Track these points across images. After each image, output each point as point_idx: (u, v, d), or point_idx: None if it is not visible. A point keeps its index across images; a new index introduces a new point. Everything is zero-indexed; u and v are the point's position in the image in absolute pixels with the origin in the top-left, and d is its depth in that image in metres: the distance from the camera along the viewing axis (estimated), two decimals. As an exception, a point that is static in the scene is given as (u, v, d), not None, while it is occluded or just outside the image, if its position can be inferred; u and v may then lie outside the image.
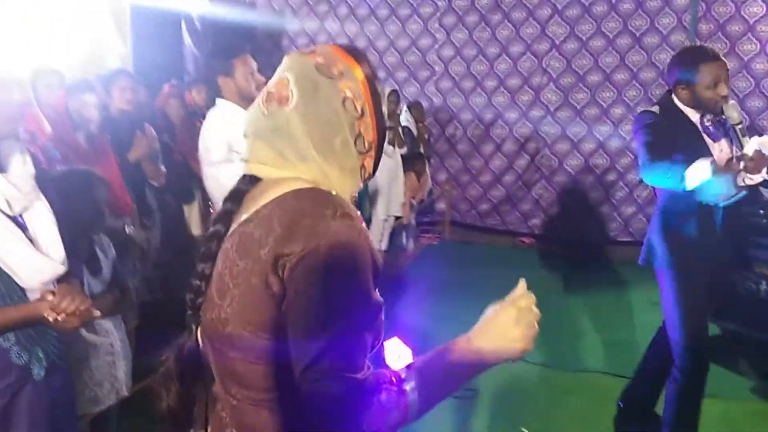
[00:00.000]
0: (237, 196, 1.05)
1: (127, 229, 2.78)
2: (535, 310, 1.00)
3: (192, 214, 3.92)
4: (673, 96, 2.49)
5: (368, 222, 5.45)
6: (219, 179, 2.38)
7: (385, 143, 4.36)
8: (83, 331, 2.08)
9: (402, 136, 5.66)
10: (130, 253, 2.83)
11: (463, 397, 3.23)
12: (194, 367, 1.05)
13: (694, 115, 2.46)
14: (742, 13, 5.38)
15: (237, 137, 2.33)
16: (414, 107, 6.06)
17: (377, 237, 5.45)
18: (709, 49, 2.48)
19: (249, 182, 1.05)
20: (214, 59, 2.62)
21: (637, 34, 5.75)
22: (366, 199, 5.32)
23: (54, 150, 2.76)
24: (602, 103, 6.00)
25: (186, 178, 3.74)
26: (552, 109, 6.19)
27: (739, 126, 2.37)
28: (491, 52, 6.35)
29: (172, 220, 3.69)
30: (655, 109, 2.53)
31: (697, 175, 2.19)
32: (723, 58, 2.42)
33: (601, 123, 6.02)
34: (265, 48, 7.23)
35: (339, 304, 0.90)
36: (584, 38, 5.95)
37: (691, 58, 2.45)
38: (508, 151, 6.47)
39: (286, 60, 1.07)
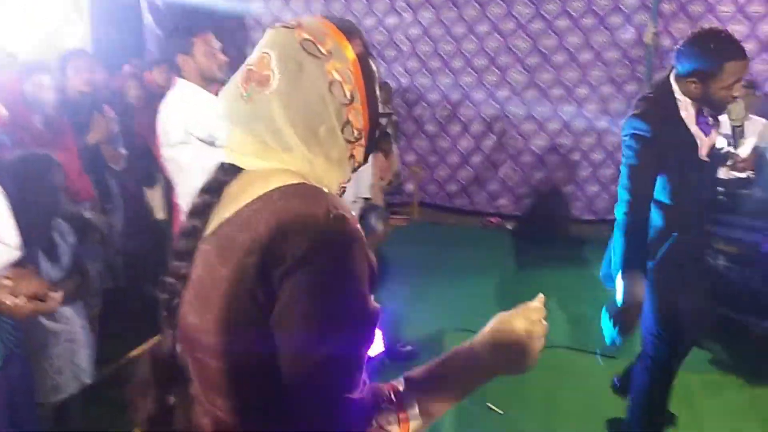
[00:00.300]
0: (216, 188, 0.95)
1: (85, 214, 2.72)
2: (544, 323, 0.95)
3: (155, 198, 3.85)
4: (672, 81, 2.23)
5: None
6: (178, 161, 2.34)
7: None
8: (42, 319, 2.04)
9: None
10: (90, 238, 2.77)
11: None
12: (171, 373, 0.97)
13: (690, 108, 2.22)
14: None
15: (195, 118, 2.32)
16: (381, 88, 6.01)
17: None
18: (736, 42, 2.13)
19: (229, 172, 0.95)
20: (173, 37, 2.55)
21: (601, 14, 5.80)
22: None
23: (3, 135, 2.67)
24: (567, 84, 6.06)
25: (147, 161, 3.66)
26: (518, 89, 6.23)
27: (739, 127, 2.27)
28: (458, 31, 6.33)
29: (133, 205, 3.62)
30: (644, 105, 2.26)
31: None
32: (747, 56, 2.12)
33: (566, 103, 6.08)
34: (228, 26, 7.08)
35: (334, 318, 0.82)
36: (550, 18, 5.98)
37: (716, 54, 2.09)
38: (476, 131, 6.50)
39: (268, 34, 0.95)
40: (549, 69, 6.09)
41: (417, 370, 0.93)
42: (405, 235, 6.12)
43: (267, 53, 0.92)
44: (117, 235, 3.41)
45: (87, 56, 3.47)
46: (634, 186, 2.19)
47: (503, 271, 5.00)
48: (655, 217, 2.29)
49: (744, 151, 2.25)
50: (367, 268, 0.86)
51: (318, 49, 0.91)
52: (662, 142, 2.16)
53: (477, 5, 6.19)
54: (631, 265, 2.17)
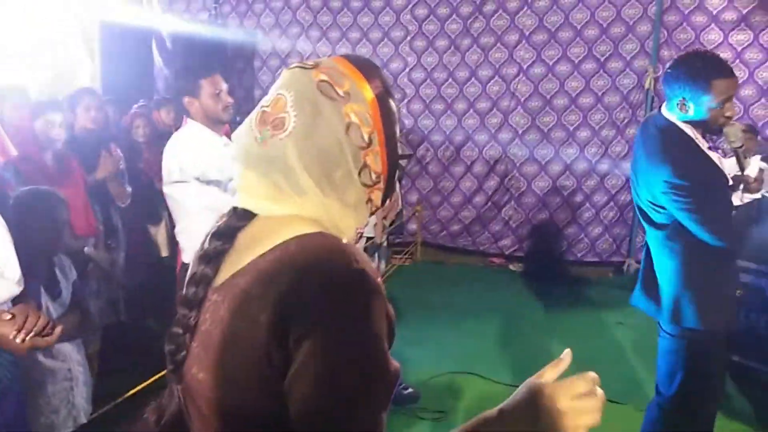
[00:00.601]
0: (228, 234, 0.89)
1: (86, 250, 2.73)
2: (599, 392, 0.83)
3: (159, 235, 3.87)
4: (669, 113, 2.20)
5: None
6: (176, 199, 2.39)
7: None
8: (40, 356, 2.02)
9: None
10: (91, 274, 2.77)
11: (432, 418, 3.22)
12: (176, 430, 0.93)
13: (695, 133, 2.19)
14: (701, 39, 5.59)
15: (192, 158, 2.37)
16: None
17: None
18: (723, 61, 2.13)
19: (242, 217, 0.90)
20: (180, 79, 2.61)
21: (602, 60, 5.92)
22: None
23: (11, 170, 2.71)
24: (568, 126, 6.14)
25: (152, 198, 3.70)
26: (520, 131, 6.31)
27: (741, 148, 2.23)
28: (461, 75, 6.46)
29: (137, 241, 3.64)
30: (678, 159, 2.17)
31: None
32: (734, 74, 2.13)
33: (567, 145, 6.15)
34: (237, 67, 7.24)
35: (353, 379, 0.76)
36: (550, 63, 6.10)
37: (703, 71, 2.07)
38: (478, 172, 6.56)
39: (284, 74, 0.92)
40: (550, 112, 6.18)
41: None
42: (407, 275, 6.10)
43: (282, 95, 0.89)
44: (120, 271, 3.41)
45: (96, 95, 3.55)
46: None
47: (506, 312, 4.96)
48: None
49: (752, 170, 2.27)
50: (387, 323, 0.82)
51: (335, 90, 0.88)
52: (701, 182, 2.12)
53: (479, 50, 6.34)
54: None
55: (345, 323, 0.77)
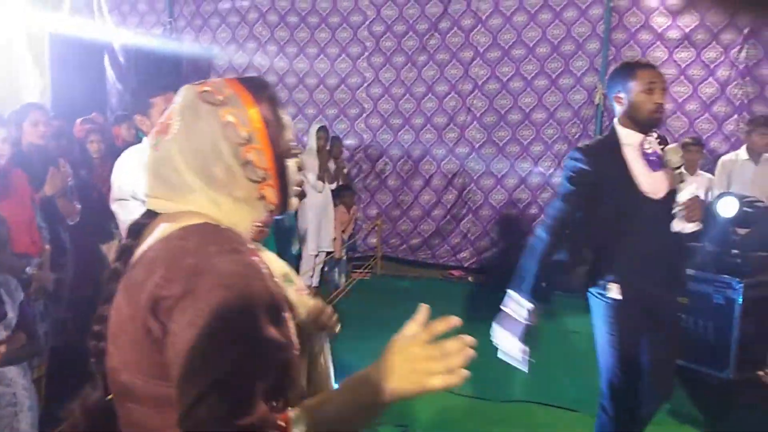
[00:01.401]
0: (136, 231, 1.00)
1: (28, 270, 2.63)
2: (430, 351, 0.88)
3: (111, 252, 3.76)
4: (615, 120, 2.46)
5: (298, 258, 5.40)
6: (117, 215, 2.37)
7: (315, 179, 4.40)
8: (-18, 380, 1.93)
9: (332, 172, 5.70)
10: (35, 295, 2.66)
11: (393, 432, 3.21)
12: (103, 420, 0.96)
13: (633, 138, 2.39)
14: (647, 56, 5.82)
15: (131, 176, 2.35)
16: (332, 142, 6.02)
17: (308, 273, 5.41)
18: (645, 60, 2.62)
19: (148, 216, 1.01)
20: (133, 97, 2.57)
21: (553, 76, 6.09)
22: (295, 235, 5.30)
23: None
24: (522, 141, 6.29)
25: (104, 215, 3.60)
26: (476, 146, 6.43)
27: (678, 171, 2.34)
28: (418, 91, 6.55)
29: (86, 259, 3.52)
30: (589, 142, 2.59)
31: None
32: (659, 71, 2.45)
33: (522, 159, 6.29)
34: (192, 82, 7.15)
35: (220, 346, 0.82)
36: (504, 80, 6.25)
37: (628, 66, 2.48)
38: (437, 186, 6.63)
39: (179, 91, 1.02)
40: (505, 127, 6.31)
41: (312, 399, 0.93)
42: (367, 289, 6.10)
43: (173, 107, 1.00)
44: (67, 289, 3.29)
45: (43, 110, 3.44)
46: (559, 210, 2.45)
47: (466, 324, 4.99)
48: (594, 250, 2.51)
49: (682, 196, 2.35)
50: (265, 296, 0.87)
51: (215, 97, 0.97)
52: (598, 174, 2.38)
53: (436, 66, 6.44)
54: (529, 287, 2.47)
55: (210, 290, 0.83)
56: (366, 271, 6.54)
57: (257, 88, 1.01)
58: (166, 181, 0.97)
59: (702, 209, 2.36)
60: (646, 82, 2.35)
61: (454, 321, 0.91)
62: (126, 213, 2.34)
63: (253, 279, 0.87)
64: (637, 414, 2.55)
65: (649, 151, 2.39)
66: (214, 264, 0.85)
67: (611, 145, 2.43)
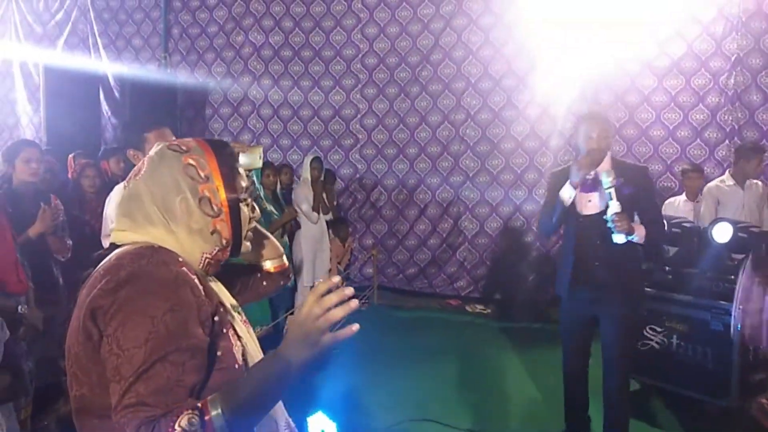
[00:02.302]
0: (97, 261, 1.13)
1: (19, 309, 2.59)
2: (314, 310, 1.00)
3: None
4: None
5: (293, 290, 5.35)
6: None
7: (309, 210, 4.37)
8: (-35, 424, 1.88)
9: (326, 203, 5.69)
10: (23, 334, 2.62)
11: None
12: None
13: (576, 174, 2.93)
14: (637, 84, 5.90)
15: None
16: (324, 174, 6.02)
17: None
18: (592, 111, 3.17)
19: (110, 249, 1.14)
20: (126, 131, 2.58)
21: (545, 105, 6.14)
22: (290, 267, 5.26)
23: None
24: (516, 169, 6.31)
25: (96, 251, 3.57)
26: (470, 174, 6.45)
27: (609, 190, 2.80)
28: (411, 121, 6.60)
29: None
30: (558, 169, 3.26)
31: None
32: (596, 117, 3.05)
33: (516, 187, 6.31)
34: (187, 115, 7.21)
35: (147, 343, 0.95)
36: (496, 109, 6.31)
37: (581, 118, 3.09)
38: (432, 215, 6.63)
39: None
40: (498, 155, 6.34)
41: (226, 383, 1.05)
42: (364, 319, 6.00)
43: (147, 158, 1.18)
44: (59, 326, 3.25)
45: (36, 146, 3.44)
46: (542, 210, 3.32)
47: (465, 354, 4.94)
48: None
49: (609, 212, 2.81)
50: (192, 301, 1.02)
51: (180, 147, 1.17)
52: (555, 183, 3.07)
53: (428, 97, 6.51)
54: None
55: (135, 293, 0.98)
56: (363, 301, 6.48)
57: (217, 144, 1.20)
58: (131, 215, 1.13)
59: (628, 222, 2.81)
60: (583, 134, 3.00)
61: (335, 279, 1.04)
62: None
63: (180, 286, 1.02)
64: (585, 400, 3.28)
65: (589, 178, 2.93)
66: (143, 272, 1.01)
67: (565, 173, 3.02)
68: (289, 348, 1.01)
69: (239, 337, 1.15)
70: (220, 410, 0.95)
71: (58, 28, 7.49)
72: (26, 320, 2.61)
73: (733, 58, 5.56)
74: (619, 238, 2.82)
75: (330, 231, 5.69)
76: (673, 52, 5.74)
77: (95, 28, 7.41)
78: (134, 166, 2.49)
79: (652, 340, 3.98)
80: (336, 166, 6.76)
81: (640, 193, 3.00)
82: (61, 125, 5.67)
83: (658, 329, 3.96)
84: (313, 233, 5.38)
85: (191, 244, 1.13)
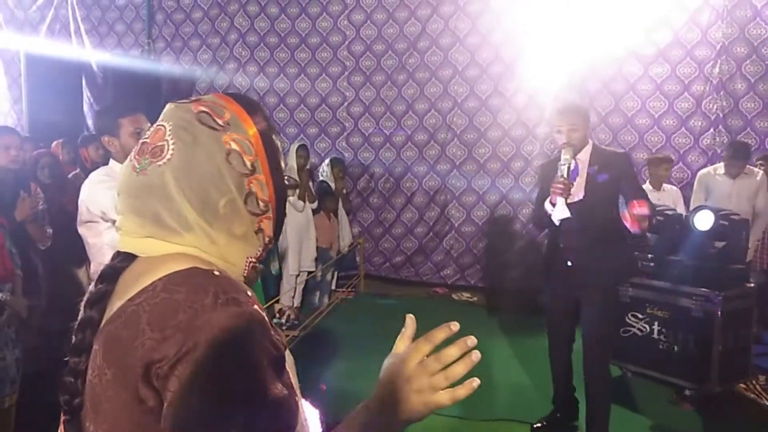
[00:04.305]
0: (110, 276, 0.87)
1: (0, 296, 2.57)
2: (434, 365, 0.84)
3: (85, 276, 3.70)
4: None
5: (278, 278, 5.35)
6: (85, 238, 2.34)
7: (295, 198, 4.37)
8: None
9: (313, 191, 5.67)
10: (8, 322, 2.60)
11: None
12: None
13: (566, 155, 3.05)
14: (623, 71, 5.90)
15: (97, 197, 2.32)
16: (335, 162, 6.07)
17: (289, 293, 5.36)
18: (562, 105, 3.49)
19: (125, 259, 0.87)
20: (101, 117, 2.55)
21: (531, 93, 6.14)
22: (275, 255, 5.25)
23: None
24: (503, 157, 6.32)
25: (77, 239, 3.54)
26: (457, 162, 6.45)
27: (566, 165, 3.01)
28: (398, 109, 6.58)
29: (60, 284, 3.46)
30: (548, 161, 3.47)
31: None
32: (564, 111, 3.18)
33: (503, 176, 6.32)
34: (178, 100, 7.13)
35: (227, 410, 0.73)
36: (483, 97, 6.30)
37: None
38: (419, 203, 6.64)
39: (166, 109, 0.90)
40: (485, 143, 6.34)
41: None
42: (351, 308, 6.05)
43: (162, 125, 0.87)
44: (39, 316, 3.22)
45: (15, 133, 3.40)
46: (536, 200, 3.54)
47: (449, 341, 4.94)
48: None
49: (555, 179, 3.04)
50: (270, 350, 0.78)
51: (215, 120, 0.87)
52: (547, 172, 3.28)
53: (415, 85, 6.49)
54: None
55: (209, 351, 0.74)
56: (349, 290, 6.49)
57: (256, 110, 0.92)
58: (155, 214, 0.84)
59: (565, 189, 2.97)
60: (555, 127, 3.19)
61: (455, 327, 0.86)
62: (94, 235, 2.32)
63: (256, 333, 0.77)
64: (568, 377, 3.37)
65: (572, 166, 3.06)
66: (210, 319, 0.75)
67: (554, 162, 3.18)
68: (388, 406, 0.83)
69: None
70: None
71: (39, 13, 7.37)
72: (9, 308, 2.58)
73: (718, 47, 5.58)
74: (552, 207, 3.04)
75: (321, 212, 5.68)
76: (659, 40, 5.75)
77: (78, 13, 7.30)
78: (110, 153, 2.49)
79: (633, 326, 4.03)
80: (322, 155, 6.73)
81: (621, 179, 3.08)
82: (43, 113, 5.60)
83: (640, 316, 4.00)
84: (299, 222, 5.37)
85: (234, 250, 0.87)
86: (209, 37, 7.05)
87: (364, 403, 0.86)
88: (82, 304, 0.89)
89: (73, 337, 0.86)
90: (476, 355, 0.86)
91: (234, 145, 0.86)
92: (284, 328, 4.95)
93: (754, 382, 3.95)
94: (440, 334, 0.86)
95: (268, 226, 0.90)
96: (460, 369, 0.85)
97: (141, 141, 0.89)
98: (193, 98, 0.92)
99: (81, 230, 2.38)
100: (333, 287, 6.23)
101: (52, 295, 3.39)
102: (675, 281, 3.85)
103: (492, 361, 4.54)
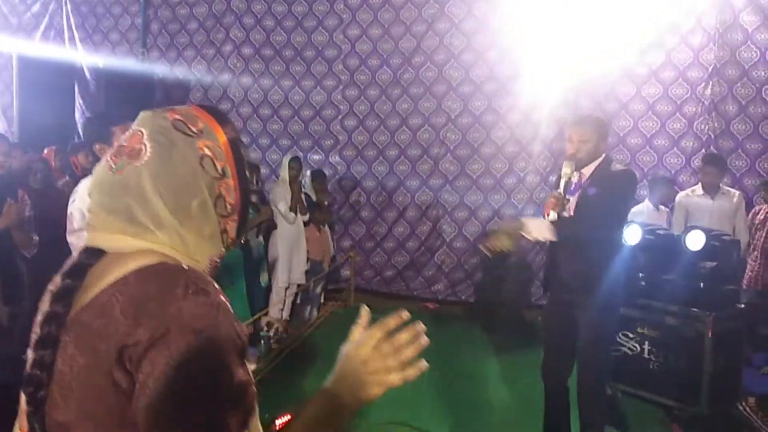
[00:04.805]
0: (78, 271, 0.90)
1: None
2: (387, 348, 0.94)
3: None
4: None
5: (267, 290, 5.30)
6: (76, 248, 2.28)
7: (287, 210, 4.32)
8: None
9: (304, 203, 5.64)
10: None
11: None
12: None
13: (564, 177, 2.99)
14: (616, 91, 5.95)
15: (83, 206, 2.28)
16: (316, 175, 6.04)
17: (277, 305, 5.31)
18: (575, 116, 3.25)
19: (92, 255, 0.91)
20: (93, 125, 2.53)
21: (525, 110, 6.17)
22: (264, 267, 5.20)
23: None
24: (495, 173, 6.33)
25: (64, 248, 3.49)
26: (450, 178, 6.45)
27: (564, 180, 2.96)
28: (392, 123, 6.58)
29: (44, 292, 3.40)
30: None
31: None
32: (577, 122, 3.04)
33: (495, 192, 6.32)
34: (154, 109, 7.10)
35: (195, 393, 0.80)
36: (477, 113, 6.32)
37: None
38: (411, 217, 6.62)
39: (140, 116, 0.97)
40: (478, 159, 6.35)
41: (279, 424, 0.93)
42: (340, 321, 5.99)
43: (140, 131, 0.93)
44: (21, 326, 3.16)
45: (3, 139, 3.37)
46: None
47: (439, 358, 4.90)
48: None
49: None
50: (235, 339, 0.84)
51: (189, 128, 0.93)
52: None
53: (409, 99, 6.51)
54: None
55: (180, 336, 0.79)
56: (339, 303, 6.44)
57: (225, 121, 0.99)
58: (127, 211, 0.88)
59: (557, 204, 2.92)
60: (566, 138, 3.06)
61: (405, 315, 0.95)
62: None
63: (222, 321, 0.83)
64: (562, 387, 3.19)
65: (572, 180, 3.02)
66: (181, 307, 0.81)
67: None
68: (347, 385, 0.92)
69: None
70: None
71: (34, 20, 7.34)
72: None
73: (710, 69, 5.64)
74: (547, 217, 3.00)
75: (311, 224, 5.64)
76: (652, 61, 5.80)
77: (72, 21, 7.28)
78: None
79: (624, 345, 4.01)
80: (315, 167, 6.71)
81: (604, 195, 2.93)
82: (35, 118, 5.55)
83: (631, 335, 3.98)
84: (290, 233, 5.33)
85: (200, 250, 0.93)
86: (204, 47, 7.05)
87: (323, 387, 0.94)
88: (47, 298, 0.93)
89: (38, 330, 0.89)
90: (425, 340, 0.96)
91: (207, 151, 0.93)
92: (272, 341, 4.88)
93: (744, 403, 3.93)
94: (392, 321, 0.96)
95: (232, 228, 0.97)
96: (410, 351, 0.95)
97: (117, 144, 0.94)
98: (167, 108, 0.97)
99: (71, 239, 2.34)
100: (322, 300, 6.18)
101: (36, 303, 3.33)
102: (666, 301, 3.84)
103: (483, 378, 4.51)
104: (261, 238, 5.06)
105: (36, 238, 3.29)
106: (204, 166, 0.92)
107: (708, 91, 5.66)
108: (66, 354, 0.85)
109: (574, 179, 2.98)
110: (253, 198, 1.04)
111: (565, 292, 3.08)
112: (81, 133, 6.18)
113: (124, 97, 5.90)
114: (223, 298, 0.86)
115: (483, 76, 6.28)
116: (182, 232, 0.90)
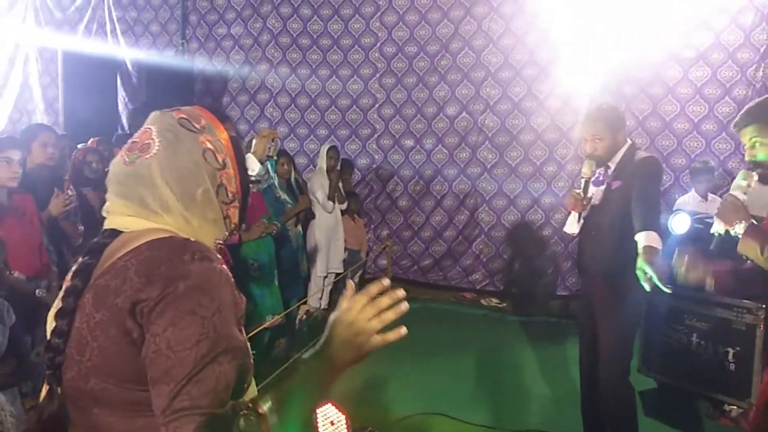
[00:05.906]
0: (96, 250, 1.03)
1: (38, 293, 2.59)
2: (370, 310, 1.03)
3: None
4: None
5: (307, 279, 5.33)
6: None
7: (324, 199, 4.35)
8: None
9: (342, 192, 5.65)
10: (41, 318, 2.63)
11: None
12: (57, 428, 1.01)
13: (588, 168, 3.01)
14: (661, 76, 5.74)
15: None
16: (344, 164, 5.96)
17: (316, 294, 5.34)
18: (587, 112, 3.11)
19: (109, 236, 1.03)
20: (136, 116, 2.56)
21: (565, 97, 6.01)
22: (304, 256, 5.23)
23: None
24: (535, 161, 6.20)
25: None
26: (488, 166, 6.35)
27: (584, 179, 2.97)
28: (429, 111, 6.51)
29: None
30: None
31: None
32: (589, 119, 2.98)
33: (534, 180, 6.19)
34: (204, 103, 7.19)
35: (199, 344, 0.90)
36: (516, 99, 6.19)
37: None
38: (448, 206, 6.55)
39: (151, 116, 1.10)
40: (517, 147, 6.24)
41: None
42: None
43: (149, 128, 1.07)
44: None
45: (51, 130, 3.45)
46: None
47: (479, 348, 4.88)
48: None
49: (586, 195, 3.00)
50: (233, 301, 0.96)
51: (193, 125, 1.07)
52: None
53: (447, 86, 6.41)
54: None
55: (185, 291, 0.91)
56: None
57: (226, 120, 1.14)
58: (140, 198, 1.02)
59: (576, 204, 2.97)
60: (582, 137, 3.07)
61: (386, 282, 1.05)
62: None
63: (225, 284, 0.96)
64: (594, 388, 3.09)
65: (597, 172, 3.02)
66: (188, 270, 0.93)
67: None
68: (334, 348, 1.02)
69: None
70: (270, 403, 0.96)
71: (78, 13, 7.51)
72: (45, 304, 2.61)
73: (762, 49, 5.38)
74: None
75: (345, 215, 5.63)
76: (699, 43, 5.57)
77: (114, 14, 7.42)
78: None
79: (671, 337, 3.90)
80: (353, 156, 6.70)
81: (632, 186, 2.83)
82: (78, 111, 5.69)
83: (678, 327, 3.86)
84: (328, 223, 5.35)
85: (205, 232, 1.06)
86: (242, 38, 7.09)
87: (314, 350, 1.04)
88: (69, 274, 1.05)
89: (60, 303, 1.00)
90: (405, 305, 1.05)
91: (209, 145, 1.07)
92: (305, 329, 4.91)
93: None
94: (374, 288, 1.05)
95: (234, 214, 1.11)
96: (390, 314, 1.04)
97: (130, 141, 1.08)
98: (174, 108, 1.11)
99: None
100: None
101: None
102: (716, 292, 3.70)
103: (520, 369, 4.45)
104: (300, 228, 5.09)
105: (81, 227, 3.37)
106: (206, 158, 1.05)
107: (759, 74, 5.40)
108: (84, 313, 0.96)
109: (599, 174, 2.98)
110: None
111: (590, 280, 3.12)
112: (126, 125, 6.31)
113: (164, 88, 5.99)
114: (225, 267, 0.99)
115: (522, 61, 6.13)
116: (188, 216, 1.03)
